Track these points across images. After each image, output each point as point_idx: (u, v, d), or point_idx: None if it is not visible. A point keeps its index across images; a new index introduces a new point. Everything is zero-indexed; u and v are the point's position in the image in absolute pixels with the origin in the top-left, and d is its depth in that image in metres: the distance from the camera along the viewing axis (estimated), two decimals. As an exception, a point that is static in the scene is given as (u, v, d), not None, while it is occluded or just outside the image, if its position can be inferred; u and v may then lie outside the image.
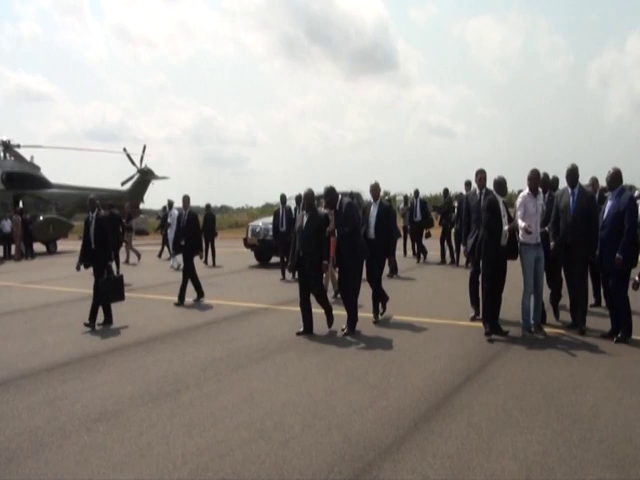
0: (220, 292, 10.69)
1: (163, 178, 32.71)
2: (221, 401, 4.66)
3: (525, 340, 6.29)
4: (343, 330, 6.81)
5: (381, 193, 7.79)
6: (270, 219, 15.13)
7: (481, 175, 7.37)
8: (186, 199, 9.81)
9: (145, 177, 31.53)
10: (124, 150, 31.90)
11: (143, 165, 31.88)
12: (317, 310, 7.11)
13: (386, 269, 11.51)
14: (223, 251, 18.78)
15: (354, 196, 13.34)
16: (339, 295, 8.29)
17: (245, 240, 15.25)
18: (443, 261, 13.96)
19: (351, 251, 6.83)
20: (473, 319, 7.17)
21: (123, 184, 31.61)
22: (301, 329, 6.81)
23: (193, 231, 9.58)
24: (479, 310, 7.09)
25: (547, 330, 6.63)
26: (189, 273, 9.50)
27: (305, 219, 6.81)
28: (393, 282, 11.05)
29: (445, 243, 13.97)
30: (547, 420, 4.07)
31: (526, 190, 6.46)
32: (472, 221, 7.17)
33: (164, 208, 18.91)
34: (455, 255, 13.52)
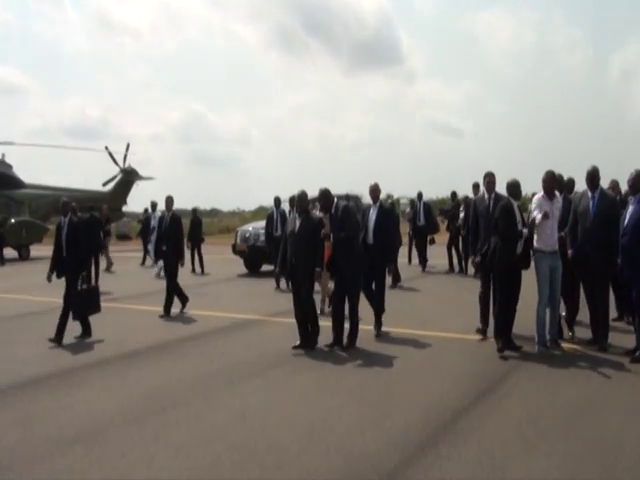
0: (209, 302, 10.66)
1: (148, 179, 32.73)
2: (210, 420, 4.63)
3: (540, 356, 6.27)
4: (333, 346, 6.78)
5: (382, 195, 7.81)
6: (261, 223, 15.12)
7: (489, 178, 7.32)
8: (169, 200, 9.74)
9: (128, 177, 31.52)
10: (106, 148, 31.92)
11: (126, 164, 31.90)
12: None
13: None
14: (212, 258, 18.74)
15: (350, 199, 13.35)
16: (328, 309, 8.28)
17: (234, 246, 15.22)
18: (451, 269, 13.97)
19: (348, 259, 6.75)
20: (481, 339, 7.10)
21: (104, 185, 31.59)
22: (297, 342, 6.79)
23: (176, 235, 9.51)
24: (486, 329, 7.06)
25: (564, 346, 6.62)
26: (171, 281, 9.44)
27: (298, 223, 6.80)
28: (396, 293, 11.03)
29: (453, 250, 13.98)
30: (566, 445, 4.04)
31: (541, 192, 6.46)
32: (480, 229, 7.15)
33: (146, 210, 18.90)
34: (464, 263, 13.53)
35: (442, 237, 15.13)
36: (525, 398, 4.99)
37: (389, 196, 34.24)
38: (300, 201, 6.89)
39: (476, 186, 12.76)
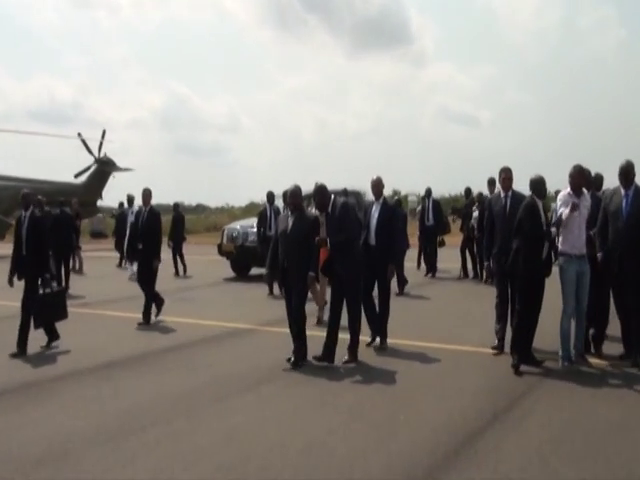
0: (194, 309, 10.67)
1: (126, 170, 32.76)
2: (195, 441, 4.63)
3: (565, 373, 6.29)
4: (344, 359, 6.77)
5: (387, 191, 7.82)
6: (251, 221, 15.14)
7: (505, 174, 7.27)
8: (146, 193, 9.68)
9: (104, 168, 31.56)
10: (79, 135, 31.97)
11: (102, 154, 31.94)
12: (313, 332, 7.09)
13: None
14: (197, 259, 18.78)
15: (350, 195, 13.35)
16: (324, 319, 8.25)
17: (220, 246, 15.24)
18: (464, 275, 13.98)
19: (346, 262, 6.71)
20: (495, 348, 7.11)
21: (77, 176, 31.63)
22: (292, 355, 6.78)
23: (154, 232, 9.43)
24: (503, 344, 7.05)
25: (592, 361, 6.63)
26: (148, 284, 9.40)
27: (290, 222, 6.74)
28: (402, 300, 11.05)
29: (467, 253, 13.98)
30: (593, 471, 4.05)
31: (567, 189, 6.47)
32: (496, 231, 7.14)
33: (121, 205, 18.85)
34: (479, 268, 13.55)
35: (454, 238, 15.16)
36: (547, 418, 5.00)
37: (396, 192, 34.27)
38: (293, 197, 6.81)
39: (492, 182, 12.76)
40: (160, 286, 9.82)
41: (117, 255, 18.57)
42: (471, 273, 13.89)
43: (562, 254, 6.45)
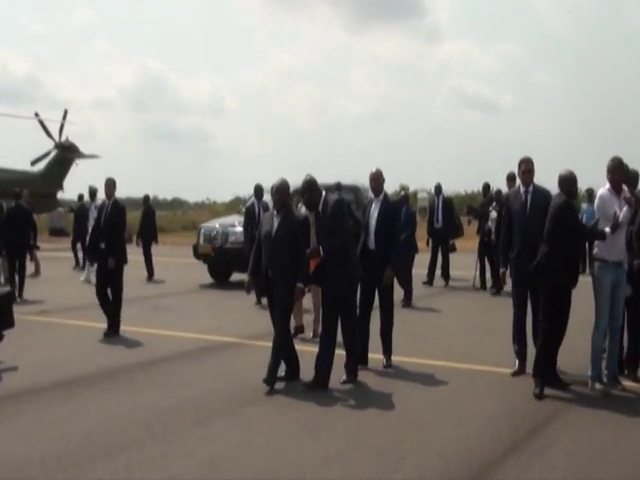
0: (170, 319, 10.73)
1: (91, 157, 32.84)
2: (171, 469, 4.68)
3: (595, 396, 6.36)
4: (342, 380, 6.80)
5: (392, 187, 7.85)
6: (232, 219, 15.19)
7: (525, 166, 7.22)
8: (109, 184, 9.58)
9: (65, 155, 31.62)
10: (36, 115, 32.03)
11: (63, 138, 31.98)
12: (304, 347, 7.15)
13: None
14: (173, 262, 18.83)
15: (346, 190, 13.33)
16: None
17: (195, 248, 15.24)
18: (482, 285, 14.04)
19: (341, 274, 6.61)
20: (516, 374, 7.18)
21: (34, 163, 31.66)
22: (282, 372, 6.85)
23: (118, 229, 9.41)
24: (525, 365, 7.10)
25: (627, 384, 6.71)
26: (115, 290, 9.36)
27: (276, 222, 6.67)
28: (408, 313, 11.13)
29: (485, 259, 14.03)
30: (624, 506, 4.14)
31: (606, 186, 6.45)
32: (514, 232, 7.15)
33: (80, 198, 18.83)
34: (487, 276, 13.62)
35: (469, 242, 15.22)
36: (574, 448, 5.08)
37: (403, 188, 34.49)
38: (279, 193, 6.72)
39: (512, 177, 12.74)
40: (130, 292, 9.86)
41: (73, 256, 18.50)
42: (489, 282, 13.91)
43: (597, 259, 6.47)
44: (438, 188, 15.13)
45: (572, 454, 4.97)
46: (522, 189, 7.23)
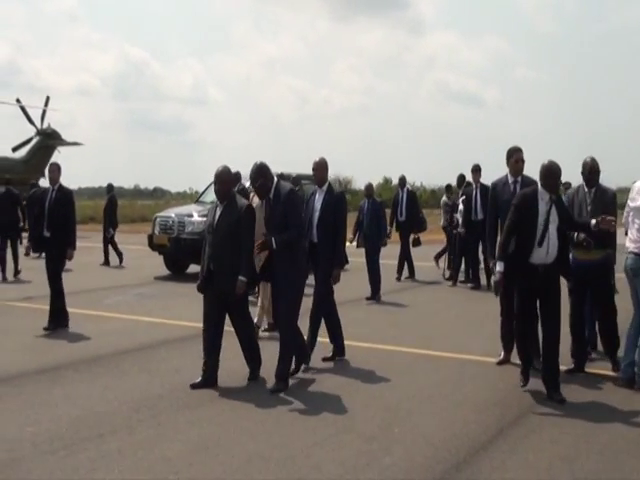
0: (155, 306, 10.73)
1: (74, 144, 32.63)
2: (162, 451, 4.75)
3: (585, 383, 6.47)
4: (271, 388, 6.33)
5: (377, 179, 7.70)
6: (189, 208, 15.16)
7: (518, 156, 7.10)
8: (53, 169, 9.19)
9: (48, 142, 31.37)
10: (17, 101, 31.71)
11: (45, 125, 31.72)
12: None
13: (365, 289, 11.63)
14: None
15: (286, 180, 13.18)
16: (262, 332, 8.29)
17: (150, 238, 15.07)
18: (452, 277, 13.84)
19: (288, 267, 6.27)
20: (501, 363, 7.25)
21: (15, 150, 31.38)
22: (198, 380, 6.41)
23: (64, 217, 8.91)
24: (510, 354, 7.14)
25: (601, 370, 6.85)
26: (55, 280, 9.00)
27: (218, 213, 6.37)
28: (391, 304, 11.23)
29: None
30: (608, 490, 4.26)
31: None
32: (502, 223, 7.14)
33: (33, 185, 18.58)
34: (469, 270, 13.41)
35: (432, 235, 15.07)
36: (558, 434, 5.19)
37: (387, 180, 34.54)
38: (219, 183, 6.34)
39: (476, 170, 12.76)
40: (113, 280, 9.83)
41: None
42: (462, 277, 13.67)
43: (633, 253, 6.35)
44: (402, 180, 14.93)
45: (557, 440, 5.07)
46: (511, 179, 7.13)
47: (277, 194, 6.29)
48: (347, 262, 7.65)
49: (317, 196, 7.28)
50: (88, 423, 5.30)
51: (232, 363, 7.09)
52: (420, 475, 4.41)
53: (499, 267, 6.08)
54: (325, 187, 7.28)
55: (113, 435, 5.04)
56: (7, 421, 5.36)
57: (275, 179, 6.40)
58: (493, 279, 6.30)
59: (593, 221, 6.14)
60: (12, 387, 6.28)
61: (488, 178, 11.95)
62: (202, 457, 4.65)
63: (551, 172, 6.07)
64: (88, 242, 19.02)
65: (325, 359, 7.30)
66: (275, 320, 6.80)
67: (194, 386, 6.27)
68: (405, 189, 14.68)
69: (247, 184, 9.46)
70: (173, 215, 14.92)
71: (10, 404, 5.80)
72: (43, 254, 9.51)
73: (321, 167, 7.35)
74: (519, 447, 4.92)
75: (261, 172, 6.30)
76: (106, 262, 16.89)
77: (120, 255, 16.96)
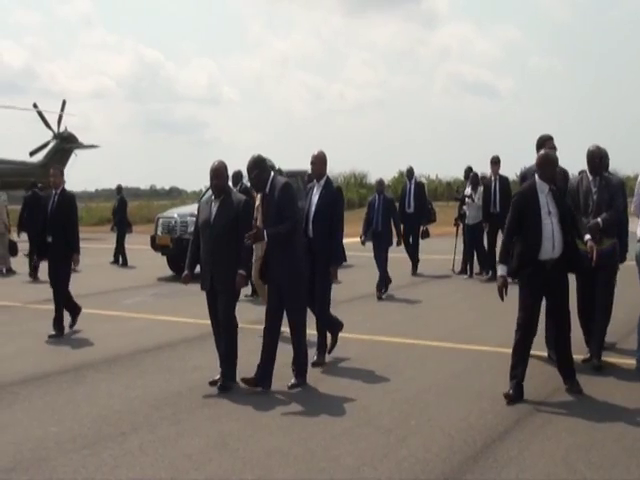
0: (173, 305, 10.82)
1: (91, 147, 32.82)
2: (183, 447, 4.81)
3: (597, 374, 6.45)
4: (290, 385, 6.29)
5: (392, 174, 7.50)
6: (191, 208, 14.43)
7: (550, 144, 6.88)
8: (55, 173, 9.08)
9: (65, 145, 31.58)
10: (34, 106, 31.95)
11: (62, 128, 31.93)
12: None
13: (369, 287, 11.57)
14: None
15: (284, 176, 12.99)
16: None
17: (153, 239, 14.81)
18: (464, 270, 13.72)
19: (287, 264, 6.19)
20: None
21: (33, 154, 31.62)
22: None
23: (68, 222, 8.79)
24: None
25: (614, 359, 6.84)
26: (60, 286, 8.85)
27: (214, 209, 6.25)
28: (404, 298, 11.24)
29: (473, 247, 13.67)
30: (625, 479, 4.25)
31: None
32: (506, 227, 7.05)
33: (32, 185, 17.85)
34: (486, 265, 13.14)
35: (441, 228, 14.98)
36: (575, 423, 5.21)
37: (402, 174, 34.43)
38: (216, 178, 6.26)
39: (495, 162, 12.73)
40: (130, 280, 9.90)
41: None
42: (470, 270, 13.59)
43: None
44: (410, 172, 14.68)
45: (573, 429, 5.09)
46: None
47: (272, 188, 6.21)
48: (345, 260, 7.56)
49: (315, 190, 7.17)
50: (110, 422, 5.37)
51: (248, 359, 7.14)
52: (437, 466, 4.44)
53: (501, 271, 5.96)
54: (323, 181, 7.15)
55: (134, 433, 5.11)
56: (31, 421, 5.44)
57: (272, 174, 6.33)
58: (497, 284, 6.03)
59: (587, 236, 6.25)
60: (36, 387, 6.37)
61: (505, 169, 11.99)
62: (222, 453, 4.71)
63: (547, 161, 5.96)
64: (104, 244, 19.16)
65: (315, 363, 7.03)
66: (266, 322, 6.42)
67: (213, 383, 6.32)
68: (413, 180, 14.50)
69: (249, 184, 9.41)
70: (175, 215, 14.67)
71: (34, 405, 5.89)
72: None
73: (319, 160, 7.19)
74: (535, 437, 4.94)
75: (256, 164, 6.22)
76: (124, 262, 17.02)
77: (124, 258, 17.08)
